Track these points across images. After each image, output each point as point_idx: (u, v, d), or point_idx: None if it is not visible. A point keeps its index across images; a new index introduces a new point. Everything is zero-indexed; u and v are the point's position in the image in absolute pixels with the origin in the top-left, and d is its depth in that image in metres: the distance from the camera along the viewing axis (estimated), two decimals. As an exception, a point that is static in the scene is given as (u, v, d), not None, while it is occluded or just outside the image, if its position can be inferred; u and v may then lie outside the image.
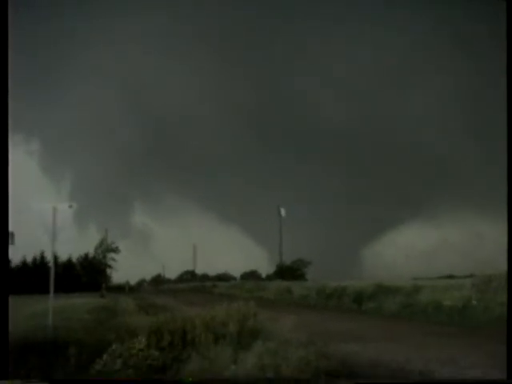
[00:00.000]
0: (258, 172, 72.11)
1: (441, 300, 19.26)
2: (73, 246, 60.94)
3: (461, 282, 22.70)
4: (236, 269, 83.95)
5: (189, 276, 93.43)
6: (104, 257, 71.63)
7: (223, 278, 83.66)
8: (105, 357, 8.75)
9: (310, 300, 30.63)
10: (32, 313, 16.90)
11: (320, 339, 9.91)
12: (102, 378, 8.32)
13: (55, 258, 15.25)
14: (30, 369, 8.73)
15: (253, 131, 68.84)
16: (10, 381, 7.75)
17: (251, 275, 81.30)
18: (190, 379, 8.07)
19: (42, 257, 65.36)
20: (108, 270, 71.71)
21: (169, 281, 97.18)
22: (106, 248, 71.67)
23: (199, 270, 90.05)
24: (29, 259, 66.68)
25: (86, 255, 72.03)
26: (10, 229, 12.96)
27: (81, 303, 24.72)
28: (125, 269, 71.39)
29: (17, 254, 60.54)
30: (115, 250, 72.26)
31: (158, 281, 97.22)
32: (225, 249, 77.20)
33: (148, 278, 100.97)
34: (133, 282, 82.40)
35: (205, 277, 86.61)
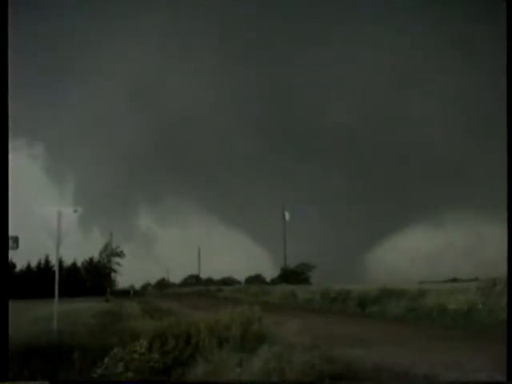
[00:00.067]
0: (262, 174, 72.13)
1: (445, 303, 19.22)
2: (77, 250, 61.05)
3: (465, 285, 22.64)
4: (240, 273, 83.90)
5: (193, 280, 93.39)
6: (109, 261, 71.66)
7: (228, 282, 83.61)
8: (106, 360, 8.76)
9: (314, 304, 30.59)
10: (37, 317, 16.92)
11: (324, 343, 9.91)
12: (103, 380, 8.32)
13: (60, 262, 15.28)
14: (34, 372, 8.75)
15: (258, 132, 68.86)
16: (10, 382, 7.77)
17: (256, 279, 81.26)
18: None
19: (47, 261, 65.50)
20: (113, 275, 71.77)
21: (173, 285, 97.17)
22: (111, 252, 71.72)
23: (204, 274, 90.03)
24: (33, 264, 66.88)
25: (91, 259, 72.12)
26: (15, 233, 13.03)
27: (86, 308, 24.72)
28: (129, 273, 71.43)
29: (21, 258, 60.72)
30: (120, 255, 72.31)
31: (163, 285, 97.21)
32: (229, 252, 77.15)
33: (153, 282, 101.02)
34: (137, 286, 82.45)
35: (209, 281, 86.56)
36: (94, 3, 48.39)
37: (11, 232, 12.68)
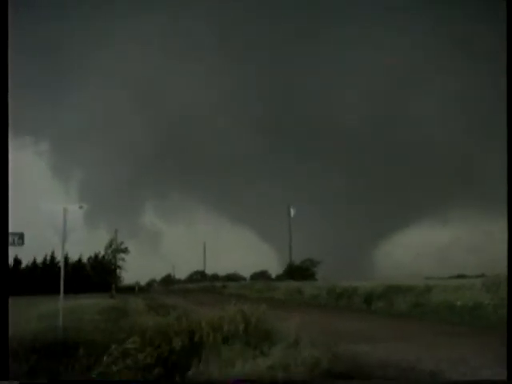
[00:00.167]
0: (268, 172, 72.12)
1: (452, 300, 19.20)
2: (83, 246, 61.29)
3: (472, 281, 22.60)
4: (246, 269, 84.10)
5: (199, 276, 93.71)
6: (114, 257, 71.93)
7: (233, 278, 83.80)
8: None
9: (320, 300, 30.62)
10: (42, 313, 16.96)
11: (330, 339, 9.90)
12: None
13: (65, 258, 15.30)
14: (39, 369, 8.74)
15: (259, 132, 68.86)
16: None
17: (261, 275, 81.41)
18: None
19: (52, 257, 65.86)
20: (118, 271, 72.05)
21: (179, 281, 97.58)
22: (116, 248, 71.98)
23: (209, 271, 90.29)
24: (39, 260, 67.22)
25: (96, 256, 72.46)
26: (20, 229, 13.05)
27: (91, 304, 24.78)
28: (135, 269, 71.76)
29: (27, 254, 61.04)
30: (124, 251, 72.59)
31: (168, 281, 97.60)
32: (235, 249, 77.28)
33: (158, 278, 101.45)
34: (143, 282, 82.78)
35: (214, 277, 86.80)
36: (95, 4, 48.46)
37: (17, 228, 12.72)
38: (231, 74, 66.75)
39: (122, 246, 72.65)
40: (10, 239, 12.69)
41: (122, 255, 72.55)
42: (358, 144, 66.31)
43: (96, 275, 66.66)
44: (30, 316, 15.98)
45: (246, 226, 76.84)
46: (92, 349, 9.24)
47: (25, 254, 57.71)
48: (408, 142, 61.95)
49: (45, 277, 55.00)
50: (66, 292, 13.44)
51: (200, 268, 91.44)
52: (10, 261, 57.75)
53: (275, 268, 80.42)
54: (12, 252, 39.64)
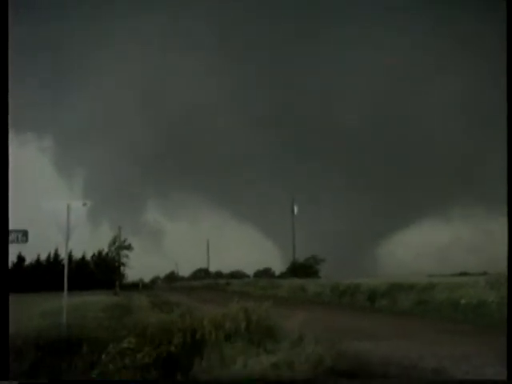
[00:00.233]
0: (272, 170, 72.14)
1: (455, 297, 19.17)
2: (86, 243, 61.40)
3: (474, 279, 22.56)
4: (249, 266, 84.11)
5: (202, 274, 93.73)
6: (117, 254, 72.01)
7: (236, 275, 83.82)
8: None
9: (323, 297, 30.61)
10: (46, 311, 17.01)
11: (333, 337, 9.90)
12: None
13: (69, 255, 15.35)
14: (42, 366, 8.77)
15: (260, 132, 68.87)
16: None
17: (264, 273, 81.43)
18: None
19: (56, 255, 65.92)
20: (122, 268, 72.10)
21: (182, 278, 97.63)
22: (120, 245, 72.04)
23: (213, 268, 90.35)
24: (43, 257, 67.28)
25: (100, 253, 72.51)
26: (24, 227, 13.09)
27: (95, 301, 24.84)
28: (139, 266, 71.86)
29: (31, 252, 61.11)
30: (128, 248, 72.63)
31: (172, 278, 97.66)
32: (238, 246, 77.32)
33: (162, 275, 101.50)
34: (147, 279, 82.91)
35: (218, 274, 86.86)
36: (94, 3, 48.50)
37: (20, 226, 12.76)
38: (231, 74, 66.75)
39: (126, 243, 72.72)
40: (14, 236, 12.74)
41: (126, 252, 72.61)
42: (358, 144, 66.25)
43: (100, 272, 66.70)
44: (34, 313, 16.03)
45: (250, 223, 76.81)
46: (95, 346, 9.27)
47: (28, 251, 57.79)
48: (408, 142, 61.92)
49: (48, 274, 54.99)
50: (69, 289, 13.47)
51: (203, 265, 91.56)
52: (14, 258, 57.86)
53: (279, 265, 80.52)
54: (16, 249, 39.73)
